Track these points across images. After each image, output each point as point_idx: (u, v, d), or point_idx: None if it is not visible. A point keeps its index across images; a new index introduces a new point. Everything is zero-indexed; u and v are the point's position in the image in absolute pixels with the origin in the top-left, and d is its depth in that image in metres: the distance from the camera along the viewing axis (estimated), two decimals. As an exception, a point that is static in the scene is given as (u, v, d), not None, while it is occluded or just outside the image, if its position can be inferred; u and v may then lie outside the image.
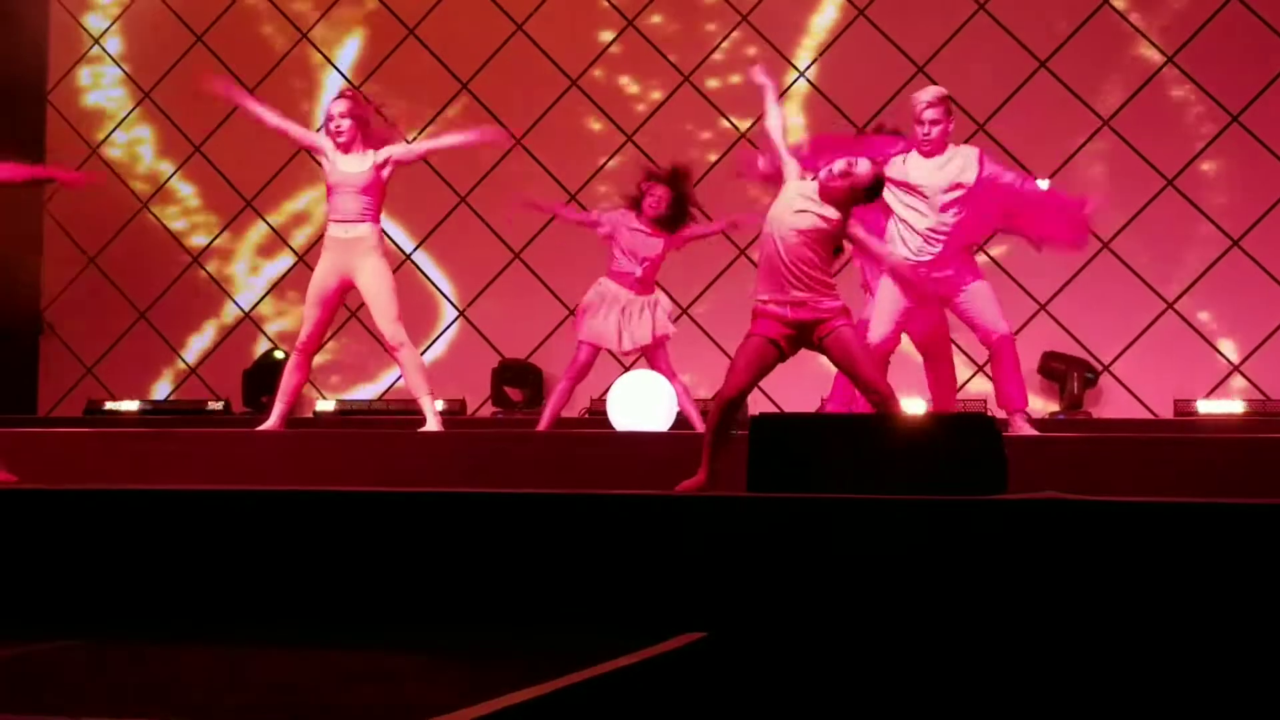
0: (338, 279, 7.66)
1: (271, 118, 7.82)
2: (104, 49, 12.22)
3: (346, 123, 7.59)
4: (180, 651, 4.47)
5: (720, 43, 11.05)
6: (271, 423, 7.70)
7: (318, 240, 11.59)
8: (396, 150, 7.74)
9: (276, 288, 11.75)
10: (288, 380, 7.75)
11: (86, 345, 11.99)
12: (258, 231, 11.82)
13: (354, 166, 7.59)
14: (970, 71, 10.50)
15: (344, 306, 11.31)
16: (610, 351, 8.34)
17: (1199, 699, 3.85)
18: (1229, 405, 9.88)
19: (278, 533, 5.17)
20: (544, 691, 3.54)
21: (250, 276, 11.84)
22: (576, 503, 5.11)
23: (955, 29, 10.62)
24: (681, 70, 11.08)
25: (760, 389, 10.64)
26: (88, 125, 12.16)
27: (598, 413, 9.51)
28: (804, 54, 10.96)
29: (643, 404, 8.12)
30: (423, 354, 11.18)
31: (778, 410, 10.37)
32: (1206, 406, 9.88)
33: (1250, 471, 6.22)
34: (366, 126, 7.65)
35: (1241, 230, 10.10)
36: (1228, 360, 10.11)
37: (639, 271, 8.00)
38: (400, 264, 11.09)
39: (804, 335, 6.02)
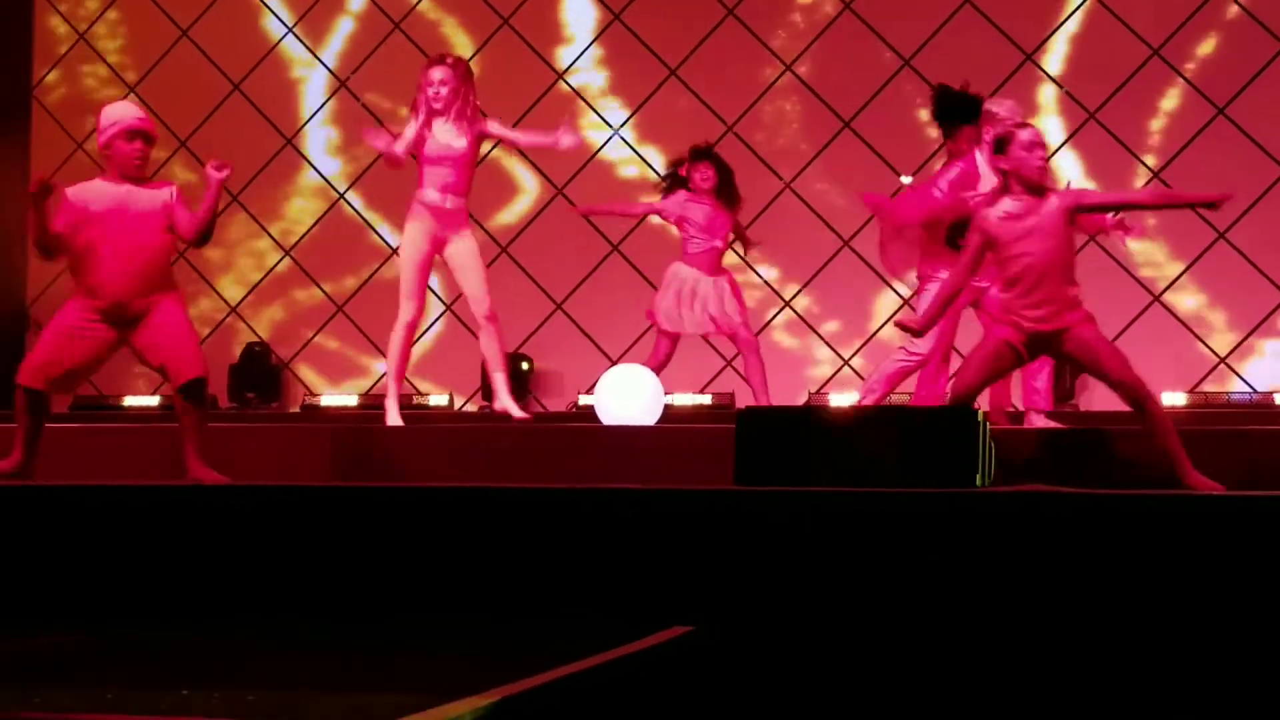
0: (431, 246, 7.51)
1: (396, 146, 7.46)
2: (89, 43, 12.18)
3: (445, 90, 7.40)
4: (167, 648, 4.47)
5: (706, 37, 11.03)
6: (394, 416, 7.56)
7: (302, 236, 11.60)
8: (494, 127, 7.63)
9: (262, 283, 11.71)
10: (399, 365, 7.55)
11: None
12: (243, 226, 11.79)
13: (453, 138, 7.43)
14: (956, 64, 10.50)
15: (330, 301, 11.42)
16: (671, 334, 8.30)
17: (1185, 688, 3.85)
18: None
19: (267, 529, 5.17)
20: (531, 685, 3.54)
21: (235, 271, 11.80)
22: (564, 498, 5.11)
23: (941, 22, 10.61)
24: (668, 64, 11.07)
25: (745, 381, 10.65)
26: (73, 120, 12.12)
27: (584, 407, 9.50)
28: (790, 47, 10.94)
29: (629, 397, 8.11)
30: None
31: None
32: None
33: (1235, 464, 6.23)
34: (463, 97, 7.46)
35: (1228, 223, 10.11)
36: (1214, 353, 10.13)
37: (720, 243, 8.16)
38: (387, 258, 11.08)
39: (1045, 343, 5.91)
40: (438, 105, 7.40)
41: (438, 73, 7.45)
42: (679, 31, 11.10)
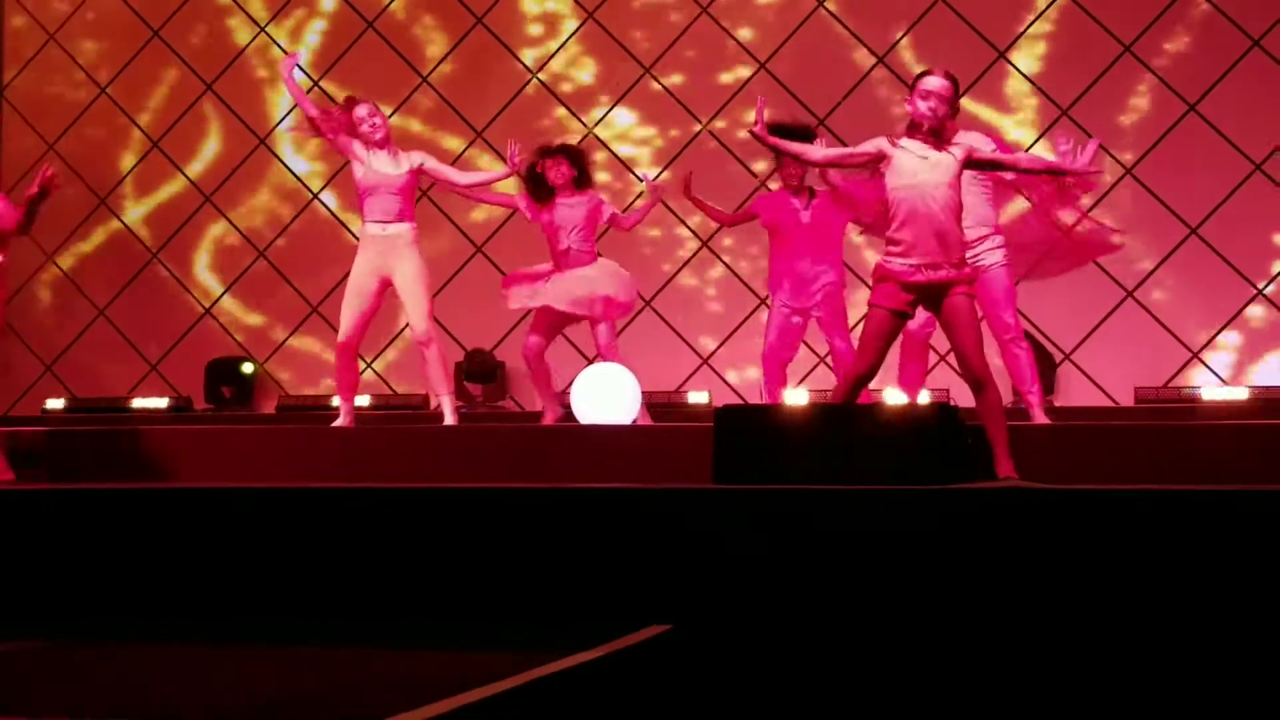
0: (377, 277, 7.73)
1: (310, 109, 7.80)
2: (59, 44, 12.13)
3: (379, 120, 7.73)
4: (151, 651, 4.46)
5: (680, 35, 11.04)
6: (344, 420, 7.76)
7: (276, 237, 11.58)
8: (430, 162, 7.86)
9: (236, 284, 11.68)
10: (344, 379, 7.82)
11: (45, 343, 11.90)
12: (217, 227, 11.75)
13: (389, 168, 7.71)
14: (928, 62, 10.52)
15: (306, 302, 11.40)
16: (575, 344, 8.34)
17: (1163, 682, 3.87)
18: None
19: (247, 530, 5.16)
20: (511, 685, 3.55)
21: (210, 273, 11.77)
22: (541, 497, 5.11)
23: (914, 20, 10.64)
24: (643, 63, 11.08)
25: (722, 380, 10.67)
26: (44, 120, 12.07)
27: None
28: (764, 45, 10.96)
29: (606, 396, 8.11)
30: (385, 348, 11.18)
31: (741, 401, 10.39)
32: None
33: (1212, 458, 6.26)
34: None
35: (1199, 218, 10.15)
36: (1187, 348, 10.17)
37: (565, 241, 8.10)
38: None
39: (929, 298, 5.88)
40: (377, 138, 7.70)
41: (365, 109, 7.74)
42: (653, 29, 11.11)
